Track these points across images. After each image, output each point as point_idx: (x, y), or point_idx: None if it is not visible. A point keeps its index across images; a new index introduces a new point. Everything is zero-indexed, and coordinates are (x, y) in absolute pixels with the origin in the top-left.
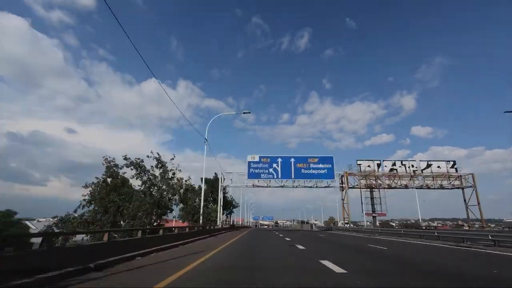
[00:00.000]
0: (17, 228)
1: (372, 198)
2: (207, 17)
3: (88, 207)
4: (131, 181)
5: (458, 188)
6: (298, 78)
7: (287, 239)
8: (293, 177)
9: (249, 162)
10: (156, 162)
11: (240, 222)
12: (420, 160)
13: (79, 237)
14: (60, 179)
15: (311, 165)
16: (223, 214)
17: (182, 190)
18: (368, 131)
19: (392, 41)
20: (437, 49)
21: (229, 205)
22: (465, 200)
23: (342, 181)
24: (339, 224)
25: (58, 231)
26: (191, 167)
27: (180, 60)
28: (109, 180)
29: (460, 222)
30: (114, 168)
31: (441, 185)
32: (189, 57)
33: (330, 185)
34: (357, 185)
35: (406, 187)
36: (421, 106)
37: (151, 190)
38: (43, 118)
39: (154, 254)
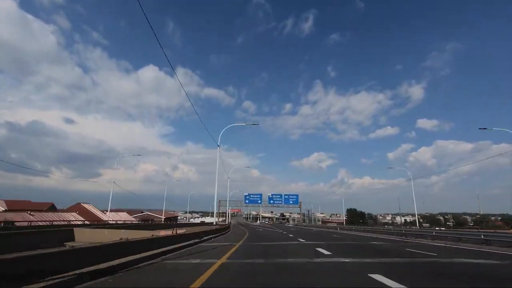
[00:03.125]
0: None
1: None
2: None
3: None
4: None
5: None
6: (302, 65)
7: None
8: None
9: None
10: None
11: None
12: None
13: None
14: (61, 171)
15: None
16: None
17: None
18: (373, 123)
19: (402, 25)
20: (450, 34)
21: None
22: None
23: None
24: None
25: None
26: (193, 160)
27: (177, 44)
28: None
29: None
30: None
31: None
32: (186, 41)
33: None
34: None
35: None
36: (429, 96)
37: None
38: (41, 107)
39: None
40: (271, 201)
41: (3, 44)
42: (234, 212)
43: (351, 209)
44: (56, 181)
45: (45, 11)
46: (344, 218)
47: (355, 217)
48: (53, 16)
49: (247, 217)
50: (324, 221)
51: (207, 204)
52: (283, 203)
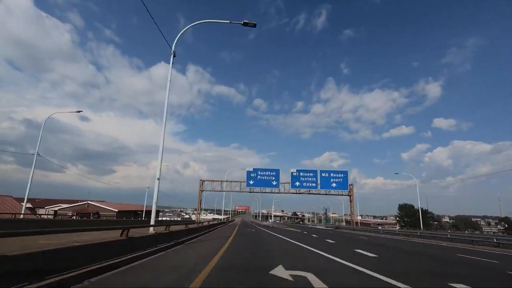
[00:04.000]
0: None
1: None
2: None
3: None
4: None
5: None
6: (314, 62)
7: None
8: None
9: None
10: None
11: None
12: None
13: None
14: (77, 167)
15: None
16: None
17: None
18: (387, 122)
19: (420, 20)
20: (472, 29)
21: None
22: None
23: None
24: None
25: None
26: (203, 157)
27: (188, 41)
28: None
29: None
30: None
31: None
32: (197, 38)
33: None
34: None
35: None
36: (447, 94)
37: None
38: (57, 105)
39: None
40: (296, 183)
41: (22, 42)
42: (242, 210)
43: (405, 205)
44: (71, 177)
45: (60, 8)
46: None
47: (410, 216)
48: (67, 14)
49: (257, 216)
50: (362, 223)
51: (218, 203)
52: (318, 187)
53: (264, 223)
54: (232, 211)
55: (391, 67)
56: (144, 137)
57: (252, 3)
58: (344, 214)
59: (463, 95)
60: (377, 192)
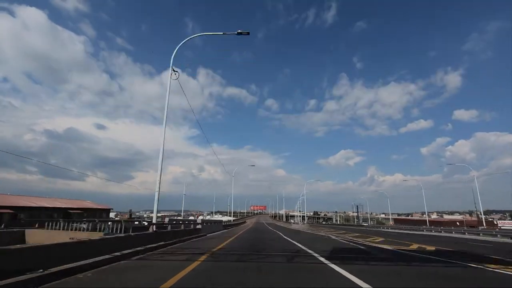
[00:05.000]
0: None
1: None
2: None
3: None
4: None
5: None
6: (326, 58)
7: None
8: None
9: None
10: None
11: None
12: None
13: None
14: (96, 175)
15: None
16: None
17: None
18: (405, 116)
19: (436, 5)
20: (494, 11)
21: None
22: None
23: None
24: None
25: None
26: (217, 160)
27: (197, 44)
28: None
29: None
30: None
31: None
32: (206, 40)
33: None
34: None
35: None
36: (468, 84)
37: None
38: (75, 115)
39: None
40: None
41: (39, 56)
42: (258, 210)
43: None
44: (92, 184)
45: (72, 20)
46: None
47: None
48: (79, 25)
49: (275, 216)
50: (436, 222)
51: (233, 205)
52: None
53: (295, 226)
54: (246, 213)
55: (406, 58)
56: (159, 142)
57: (259, 1)
58: (371, 213)
59: (485, 83)
60: (396, 190)
